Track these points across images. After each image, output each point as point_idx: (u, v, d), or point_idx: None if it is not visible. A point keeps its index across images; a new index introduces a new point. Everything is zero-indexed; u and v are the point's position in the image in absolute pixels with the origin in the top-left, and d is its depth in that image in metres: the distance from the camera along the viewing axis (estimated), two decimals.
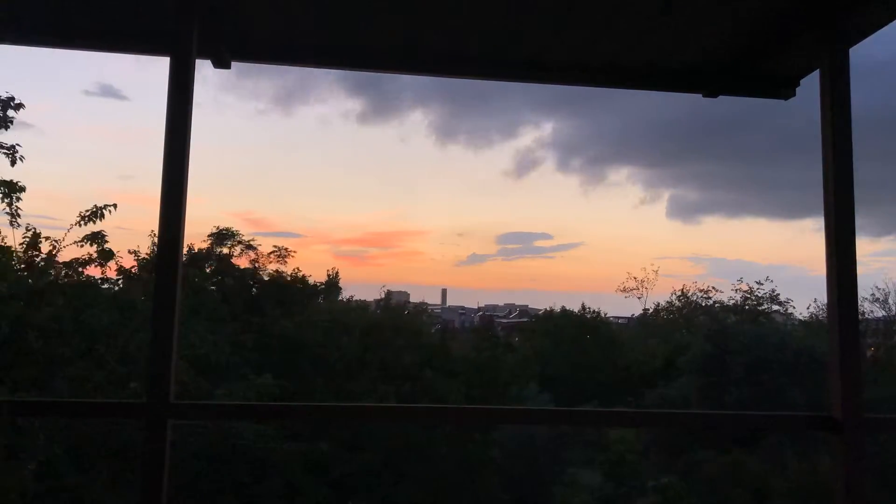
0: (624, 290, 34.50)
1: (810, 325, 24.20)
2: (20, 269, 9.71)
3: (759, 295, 27.31)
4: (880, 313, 23.42)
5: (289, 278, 19.42)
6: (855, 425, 2.66)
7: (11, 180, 9.02)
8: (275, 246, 19.71)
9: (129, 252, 13.15)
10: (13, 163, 8.83)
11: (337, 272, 23.07)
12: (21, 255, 9.63)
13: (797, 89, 3.47)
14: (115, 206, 9.77)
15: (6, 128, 8.79)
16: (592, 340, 26.87)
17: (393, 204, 59.26)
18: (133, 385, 9.37)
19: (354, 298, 23.70)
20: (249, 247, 18.96)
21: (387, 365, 17.07)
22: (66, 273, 10.13)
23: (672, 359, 21.46)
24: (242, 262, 18.85)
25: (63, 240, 9.85)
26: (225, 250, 18.54)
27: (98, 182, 37.17)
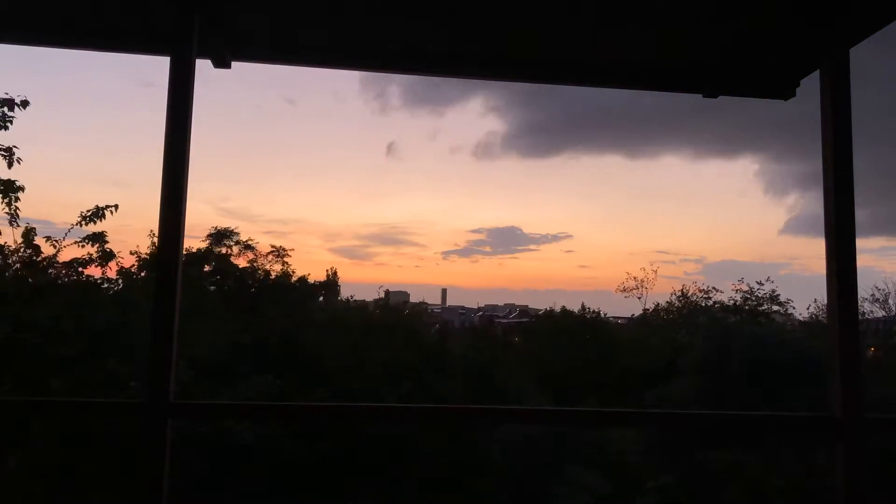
0: (624, 290, 34.56)
1: (810, 325, 24.21)
2: (19, 269, 9.72)
3: (759, 295, 27.33)
4: (880, 313, 23.48)
5: (284, 276, 19.43)
6: (855, 425, 2.66)
7: (10, 179, 9.03)
8: (273, 246, 19.75)
9: (131, 253, 13.17)
10: (10, 164, 8.83)
11: (335, 271, 23.13)
12: (21, 254, 9.64)
13: (797, 89, 3.47)
14: (116, 206, 9.80)
15: (6, 128, 8.78)
16: (592, 340, 26.87)
17: (389, 202, 58.76)
18: (133, 385, 9.39)
19: (353, 298, 23.74)
20: (248, 246, 18.98)
21: (386, 365, 17.07)
22: (66, 273, 10.14)
23: (672, 359, 21.46)
24: (241, 262, 18.87)
25: (63, 240, 9.86)
26: (223, 250, 18.55)
27: (96, 182, 36.96)
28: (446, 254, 68.15)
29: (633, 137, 48.74)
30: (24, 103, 8.88)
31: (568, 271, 67.11)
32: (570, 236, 75.99)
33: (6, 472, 7.96)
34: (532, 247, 76.52)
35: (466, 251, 73.13)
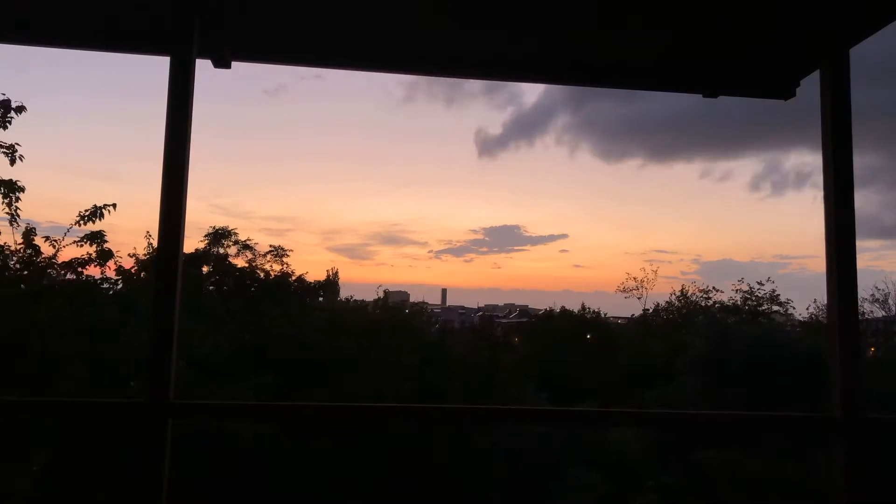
0: (624, 290, 34.58)
1: (810, 325, 24.22)
2: (19, 270, 9.72)
3: (759, 295, 27.33)
4: (880, 313, 23.49)
5: (283, 276, 19.40)
6: (855, 425, 2.66)
7: (11, 180, 9.03)
8: (272, 245, 19.73)
9: (129, 255, 13.16)
10: (13, 162, 8.83)
11: (336, 271, 23.14)
12: (21, 254, 9.64)
13: (797, 89, 3.47)
14: (114, 205, 9.80)
15: (5, 127, 8.79)
16: (592, 341, 26.88)
17: (387, 200, 58.46)
18: (133, 385, 9.39)
19: (353, 298, 23.71)
20: (246, 246, 18.94)
21: (386, 365, 17.06)
22: (66, 273, 10.14)
23: (672, 359, 21.46)
24: (240, 262, 18.85)
25: (62, 240, 9.86)
26: (222, 250, 18.53)
27: (95, 181, 36.94)
28: (439, 253, 68.06)
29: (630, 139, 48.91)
30: (20, 109, 8.89)
31: (565, 271, 67.18)
32: (565, 236, 76.01)
33: (4, 473, 7.96)
34: (528, 247, 76.46)
35: (460, 250, 72.99)
